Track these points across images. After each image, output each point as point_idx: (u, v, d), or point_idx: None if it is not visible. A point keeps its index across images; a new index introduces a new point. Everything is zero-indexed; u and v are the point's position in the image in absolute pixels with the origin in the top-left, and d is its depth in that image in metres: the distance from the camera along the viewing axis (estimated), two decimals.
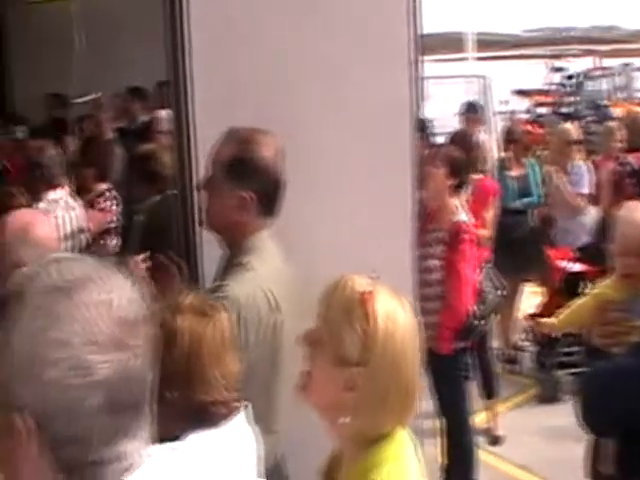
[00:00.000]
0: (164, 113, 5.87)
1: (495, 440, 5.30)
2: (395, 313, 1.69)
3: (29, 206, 4.09)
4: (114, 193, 5.20)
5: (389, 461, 1.65)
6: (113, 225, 5.10)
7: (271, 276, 2.31)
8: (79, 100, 7.38)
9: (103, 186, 5.22)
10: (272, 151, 2.38)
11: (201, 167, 2.81)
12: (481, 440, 4.88)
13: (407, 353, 1.68)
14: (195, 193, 2.89)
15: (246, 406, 1.85)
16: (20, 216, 2.89)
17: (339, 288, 1.71)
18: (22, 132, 6.43)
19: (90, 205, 5.00)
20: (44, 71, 7.68)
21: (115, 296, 1.10)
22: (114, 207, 5.15)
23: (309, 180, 2.87)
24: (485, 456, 4.77)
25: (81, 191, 5.01)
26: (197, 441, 1.70)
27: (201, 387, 1.78)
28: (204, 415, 1.77)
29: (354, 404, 1.63)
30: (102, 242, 4.98)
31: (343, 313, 1.68)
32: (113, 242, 5.06)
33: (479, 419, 5.07)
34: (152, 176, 4.67)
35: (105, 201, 5.14)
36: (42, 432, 1.06)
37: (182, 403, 1.75)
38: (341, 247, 2.93)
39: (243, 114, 2.81)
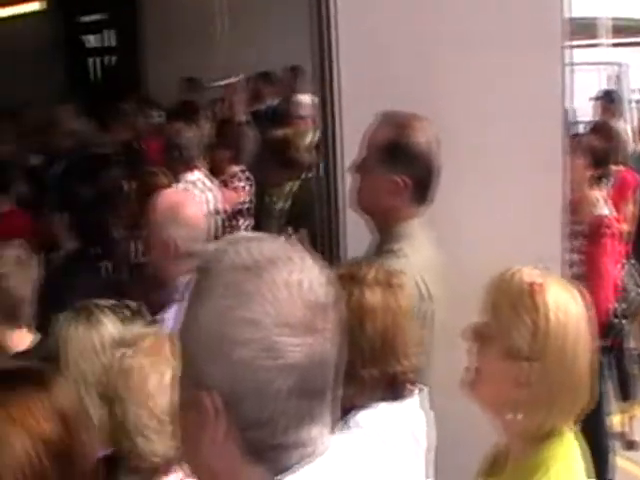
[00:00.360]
0: (307, 97, 5.85)
1: (630, 445, 5.08)
2: (567, 305, 1.61)
3: (170, 186, 4.18)
4: (247, 174, 5.27)
5: (557, 460, 1.58)
6: (246, 206, 5.17)
7: (423, 264, 2.26)
8: (216, 84, 7.49)
9: (236, 168, 5.29)
10: (428, 137, 2.33)
11: (346, 151, 2.79)
12: (616, 444, 4.68)
13: (579, 347, 1.60)
14: (340, 178, 2.86)
15: (421, 390, 1.81)
16: (169, 196, 2.95)
17: (507, 279, 1.65)
18: (159, 116, 6.57)
19: (224, 185, 5.09)
20: (178, 54, 7.85)
21: (305, 277, 1.07)
22: (247, 188, 5.22)
23: (458, 172, 2.78)
24: (620, 461, 4.57)
25: (215, 172, 5.10)
26: (374, 427, 1.68)
27: (394, 359, 1.76)
28: (395, 386, 1.74)
29: (524, 400, 1.57)
30: (234, 222, 5.05)
31: (511, 305, 1.61)
32: (245, 223, 5.13)
33: (615, 422, 4.86)
34: (288, 162, 4.70)
35: (239, 182, 5.22)
36: (230, 412, 1.04)
37: (377, 377, 1.72)
38: (490, 240, 2.84)
39: (388, 99, 2.75)
